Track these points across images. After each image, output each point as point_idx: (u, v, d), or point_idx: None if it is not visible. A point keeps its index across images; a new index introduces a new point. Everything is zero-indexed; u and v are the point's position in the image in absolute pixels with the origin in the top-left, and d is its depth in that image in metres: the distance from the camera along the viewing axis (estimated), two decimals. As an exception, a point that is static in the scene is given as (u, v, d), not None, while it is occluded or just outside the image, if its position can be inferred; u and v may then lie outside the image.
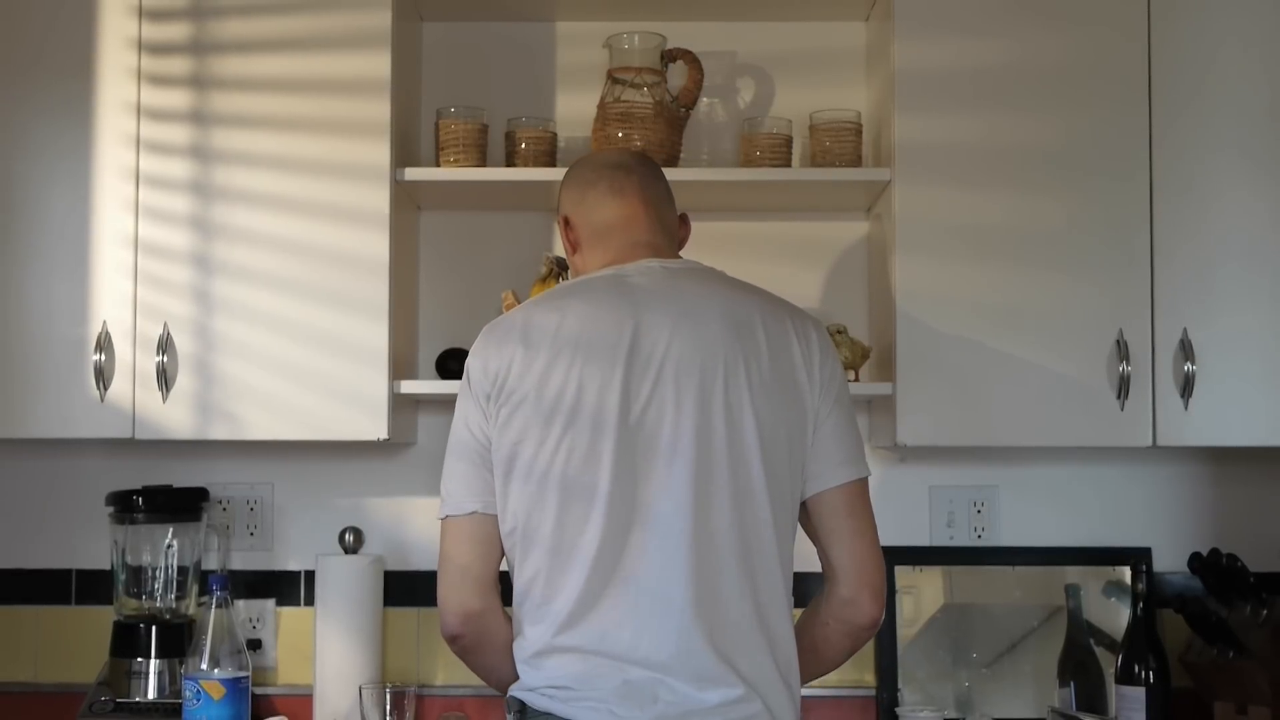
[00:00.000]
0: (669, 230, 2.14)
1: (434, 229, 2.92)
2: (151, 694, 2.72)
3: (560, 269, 2.65)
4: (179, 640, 2.74)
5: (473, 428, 1.98)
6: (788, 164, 2.74)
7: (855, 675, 2.86)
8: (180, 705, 2.59)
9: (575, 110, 2.87)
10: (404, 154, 2.70)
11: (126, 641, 2.75)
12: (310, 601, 2.84)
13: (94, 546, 2.88)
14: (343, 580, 2.76)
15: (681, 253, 2.15)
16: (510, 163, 2.73)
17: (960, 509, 2.91)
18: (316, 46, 2.59)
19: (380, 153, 2.58)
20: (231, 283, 2.57)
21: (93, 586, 2.89)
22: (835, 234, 2.91)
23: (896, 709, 2.77)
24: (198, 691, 2.55)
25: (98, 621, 2.85)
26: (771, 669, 1.92)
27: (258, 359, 2.56)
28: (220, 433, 2.58)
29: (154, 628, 2.74)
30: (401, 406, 2.68)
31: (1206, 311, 2.55)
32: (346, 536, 2.82)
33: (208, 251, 2.57)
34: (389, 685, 2.71)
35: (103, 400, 2.56)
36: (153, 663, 2.73)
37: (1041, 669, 2.81)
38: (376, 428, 2.56)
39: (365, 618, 2.77)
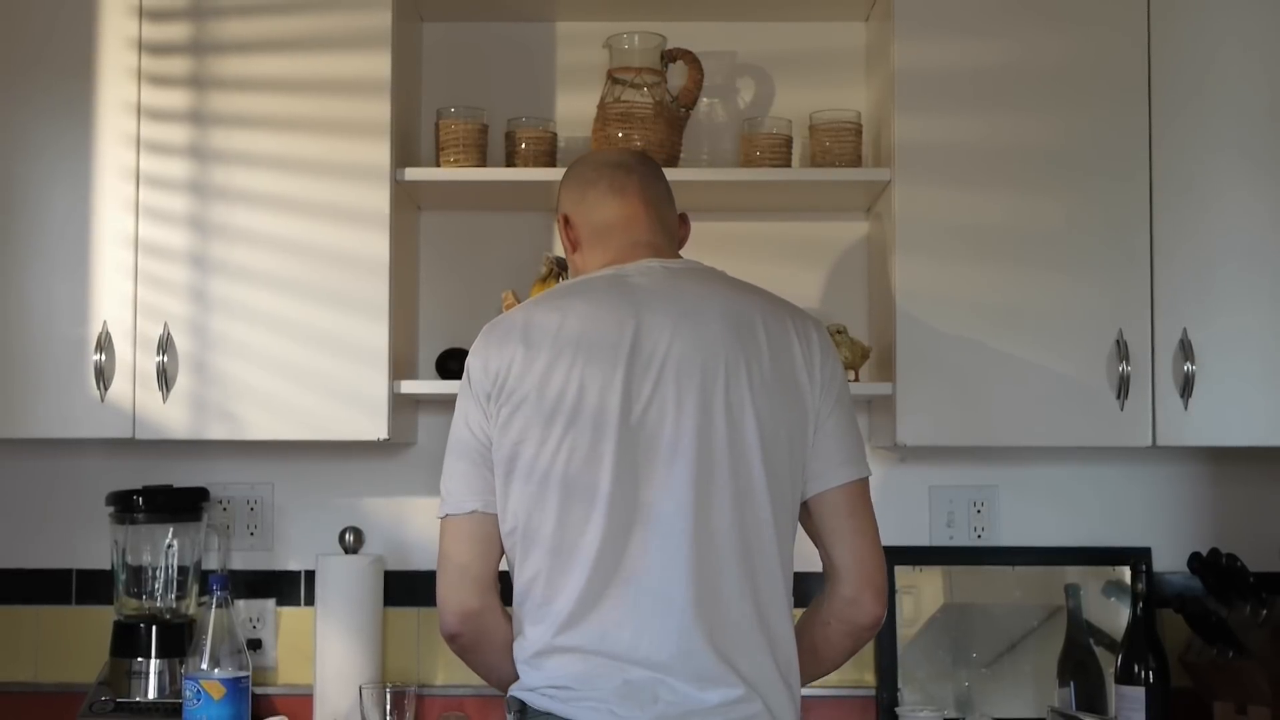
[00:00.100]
0: (669, 230, 2.14)
1: (434, 229, 2.92)
2: (152, 694, 2.72)
3: (560, 269, 2.65)
4: (179, 640, 2.74)
5: (473, 427, 1.98)
6: (788, 164, 2.74)
7: (855, 675, 2.86)
8: (180, 705, 2.59)
9: (575, 110, 2.86)
10: (404, 154, 2.70)
11: (127, 641, 2.75)
12: (310, 601, 2.84)
13: (94, 546, 2.88)
14: (343, 580, 2.76)
15: (681, 252, 2.14)
16: (510, 163, 2.73)
17: (960, 509, 2.91)
18: (317, 47, 2.59)
19: (380, 153, 2.58)
20: (231, 283, 2.57)
21: (93, 586, 2.89)
22: (835, 234, 2.91)
23: (896, 709, 2.77)
24: (198, 691, 2.55)
25: (98, 621, 2.85)
26: (772, 669, 1.91)
27: (258, 359, 2.56)
28: (220, 433, 2.58)
29: (154, 628, 2.74)
30: (401, 406, 2.68)
31: (1206, 311, 2.55)
32: (346, 536, 2.82)
33: (208, 251, 2.57)
34: (389, 685, 2.71)
35: (103, 400, 2.56)
36: (153, 663, 2.73)
37: (1041, 669, 2.81)
38: (376, 428, 2.56)
39: (365, 618, 2.77)
